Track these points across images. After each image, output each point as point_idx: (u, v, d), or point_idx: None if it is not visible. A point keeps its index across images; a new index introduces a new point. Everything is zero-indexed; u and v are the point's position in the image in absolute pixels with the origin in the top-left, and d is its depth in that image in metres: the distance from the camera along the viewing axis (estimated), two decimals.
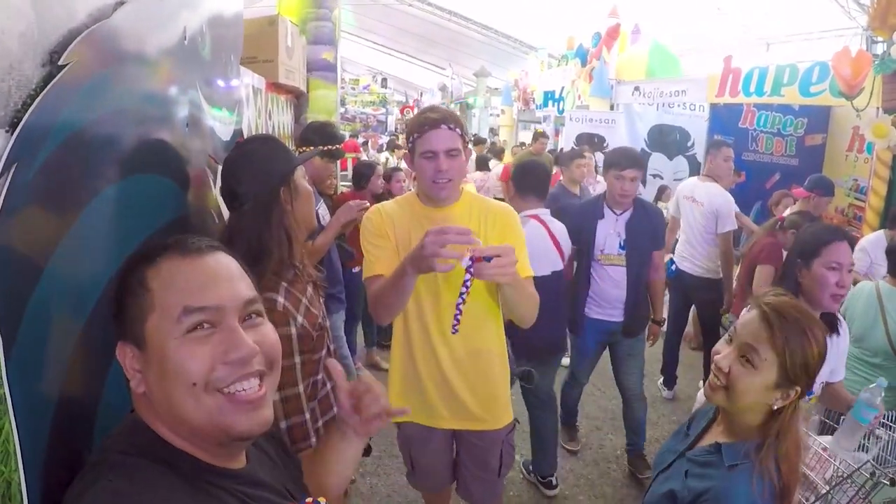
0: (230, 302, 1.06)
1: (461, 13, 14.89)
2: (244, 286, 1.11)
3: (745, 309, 1.80)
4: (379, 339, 6.41)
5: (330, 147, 4.00)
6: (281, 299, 1.91)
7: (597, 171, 8.36)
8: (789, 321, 1.65)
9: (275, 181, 2.01)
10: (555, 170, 10.38)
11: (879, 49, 6.30)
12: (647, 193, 9.55)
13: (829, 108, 7.86)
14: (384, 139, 19.02)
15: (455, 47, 17.51)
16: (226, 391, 1.03)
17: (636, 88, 10.08)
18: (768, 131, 8.33)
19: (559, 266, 3.88)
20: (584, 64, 11.65)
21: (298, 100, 6.07)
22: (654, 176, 10.05)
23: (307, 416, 1.97)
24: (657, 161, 10.19)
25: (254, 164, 2.02)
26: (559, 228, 3.90)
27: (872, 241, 4.82)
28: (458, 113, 23.55)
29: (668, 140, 10.18)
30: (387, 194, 5.75)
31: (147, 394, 1.04)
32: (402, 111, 24.65)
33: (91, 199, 1.37)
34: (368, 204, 4.67)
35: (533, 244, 2.60)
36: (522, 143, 14.43)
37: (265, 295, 1.73)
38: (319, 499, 1.22)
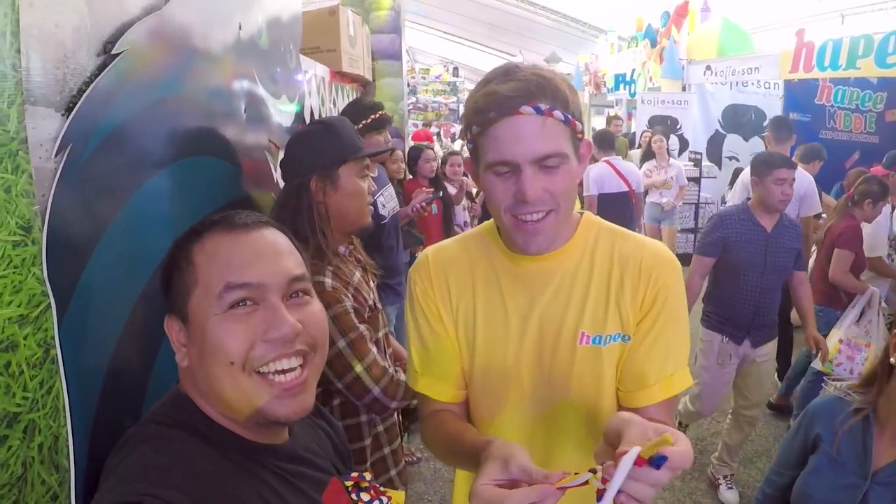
0: (274, 278, 1.02)
1: None
2: (291, 262, 1.07)
3: None
4: None
5: (365, 121, 3.64)
6: (329, 280, 1.92)
7: (669, 154, 8.28)
8: None
9: (308, 170, 2.02)
10: (627, 154, 10.36)
11: None
12: (723, 177, 9.40)
13: None
14: (456, 128, 19.09)
15: (524, 34, 17.42)
16: (263, 371, 1.00)
17: (708, 68, 9.86)
18: (846, 107, 8.07)
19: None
20: (653, 45, 11.48)
21: (365, 88, 6.23)
22: (730, 158, 9.86)
23: (378, 361, 1.97)
24: (733, 143, 10.02)
25: (302, 147, 2.06)
26: (626, 168, 5.38)
27: None
28: None
29: (742, 120, 9.97)
30: (443, 178, 5.66)
31: (190, 368, 1.04)
32: None
33: (146, 180, 1.49)
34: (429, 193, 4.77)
35: (603, 179, 2.83)
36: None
37: (314, 278, 1.62)
38: (365, 473, 1.21)
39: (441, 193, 5.27)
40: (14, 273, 1.06)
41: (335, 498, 1.15)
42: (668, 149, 8.32)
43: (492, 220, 1.50)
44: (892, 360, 1.73)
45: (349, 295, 1.96)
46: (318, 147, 2.05)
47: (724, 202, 8.74)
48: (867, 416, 1.77)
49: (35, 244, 1.11)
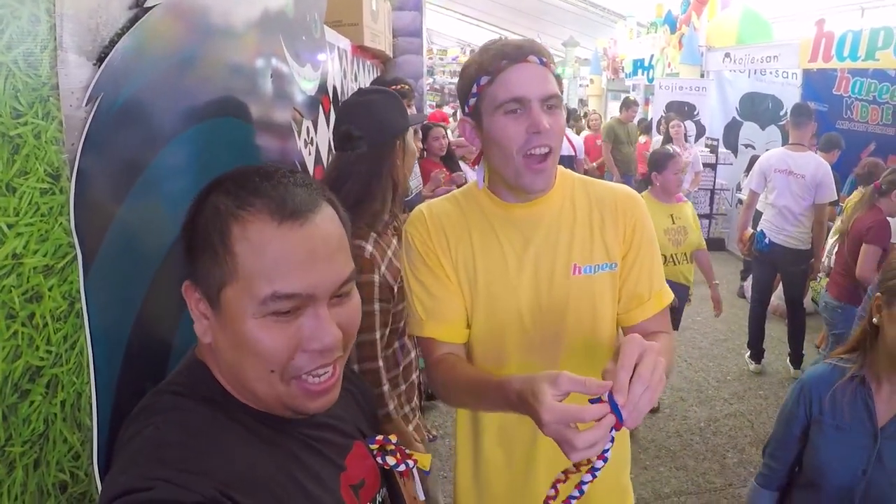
0: (324, 286, 0.92)
1: None
2: (342, 261, 0.96)
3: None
4: None
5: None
6: (369, 247, 1.99)
7: (686, 140, 8.25)
8: None
9: (394, 132, 2.10)
10: (643, 139, 10.33)
11: None
12: (739, 164, 9.34)
13: None
14: None
15: (543, 17, 17.32)
16: (300, 378, 0.94)
17: (727, 55, 9.76)
18: (863, 99, 8.01)
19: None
20: (673, 31, 11.40)
21: (385, 65, 6.20)
22: (747, 146, 9.80)
23: (380, 363, 2.04)
24: (749, 131, 9.96)
25: (374, 113, 2.10)
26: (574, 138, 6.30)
27: None
28: None
29: (759, 109, 9.90)
30: (425, 154, 5.49)
31: (214, 347, 0.97)
32: None
33: (174, 137, 1.49)
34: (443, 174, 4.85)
35: None
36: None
37: (355, 242, 1.73)
38: (390, 436, 1.19)
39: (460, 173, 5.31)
40: (41, 221, 1.05)
41: (360, 462, 1.12)
42: (685, 134, 8.29)
43: (472, 181, 1.70)
44: (874, 320, 1.83)
45: (382, 266, 2.03)
46: (390, 110, 2.13)
47: (739, 189, 8.75)
48: (863, 378, 1.86)
49: (63, 193, 1.10)
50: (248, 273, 0.89)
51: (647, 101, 13.67)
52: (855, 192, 5.83)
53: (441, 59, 22.20)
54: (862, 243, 4.31)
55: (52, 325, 1.10)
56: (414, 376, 2.31)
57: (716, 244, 9.45)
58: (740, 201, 7.80)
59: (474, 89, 1.50)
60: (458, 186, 4.55)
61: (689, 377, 5.48)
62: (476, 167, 1.68)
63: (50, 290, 1.09)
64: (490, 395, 1.34)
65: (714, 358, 5.86)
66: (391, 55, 6.16)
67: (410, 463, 1.19)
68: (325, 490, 1.01)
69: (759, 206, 5.74)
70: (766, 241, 5.45)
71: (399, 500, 1.22)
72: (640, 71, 13.35)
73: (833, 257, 4.83)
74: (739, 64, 9.59)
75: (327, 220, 0.95)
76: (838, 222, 5.33)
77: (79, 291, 1.16)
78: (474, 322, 1.63)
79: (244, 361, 0.92)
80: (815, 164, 5.22)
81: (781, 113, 9.57)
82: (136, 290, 1.35)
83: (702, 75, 10.54)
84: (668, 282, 1.74)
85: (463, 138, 1.65)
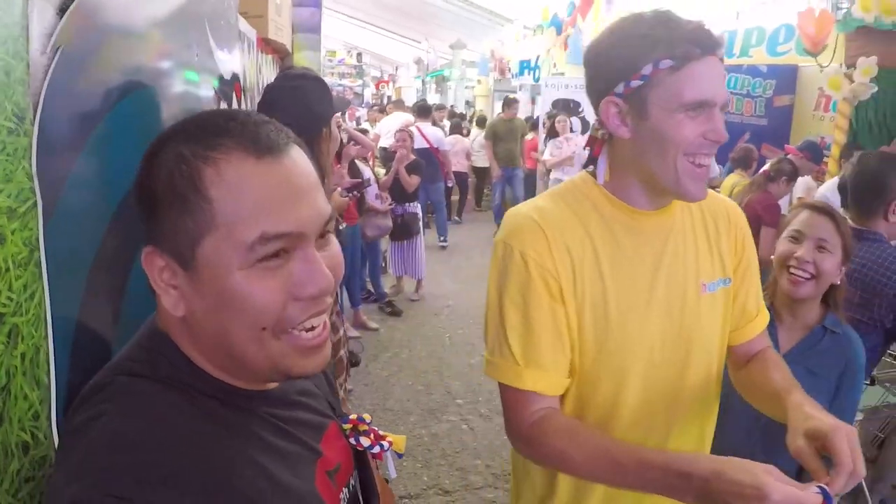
0: (313, 223, 0.84)
1: None
2: (322, 198, 0.88)
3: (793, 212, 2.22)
4: (364, 297, 6.56)
5: None
6: None
7: (572, 133, 8.72)
8: (836, 214, 2.13)
9: (323, 120, 2.06)
10: (531, 135, 10.67)
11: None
12: None
13: (796, 69, 8.17)
14: (361, 111, 19.06)
15: (430, 20, 17.50)
16: (291, 332, 0.85)
17: None
18: (738, 93, 8.54)
19: None
20: (559, 33, 11.82)
21: (283, 61, 6.14)
22: None
23: None
24: None
25: (302, 100, 2.06)
26: (430, 132, 6.66)
27: (830, 186, 5.04)
28: (435, 86, 23.23)
29: None
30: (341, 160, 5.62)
31: (188, 320, 0.86)
32: (377, 86, 24.63)
33: (125, 95, 1.47)
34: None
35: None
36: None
37: None
38: (364, 416, 1.13)
39: (362, 179, 5.39)
40: (7, 160, 1.03)
41: (334, 443, 1.05)
42: (570, 129, 8.64)
43: (581, 175, 1.43)
44: (771, 257, 2.17)
45: None
46: (321, 99, 2.08)
47: None
48: (770, 306, 2.08)
49: (27, 136, 1.08)
50: (228, 219, 0.79)
51: (532, 100, 14.11)
52: (731, 175, 6.43)
53: (329, 60, 22.08)
54: (753, 222, 4.68)
55: (14, 271, 1.07)
56: (342, 352, 2.33)
57: None
58: None
59: (646, 70, 1.22)
60: (354, 192, 4.63)
61: None
62: (599, 158, 1.38)
63: (13, 233, 1.06)
64: (649, 475, 1.11)
65: None
66: (291, 50, 6.11)
67: (385, 444, 1.13)
68: (302, 480, 0.92)
69: None
70: None
71: (370, 484, 1.16)
72: (526, 71, 13.77)
73: None
74: None
75: (302, 156, 0.89)
76: None
77: (38, 239, 1.13)
78: (591, 362, 1.35)
79: (232, 323, 0.82)
80: None
81: None
82: (90, 246, 1.32)
83: None
84: None
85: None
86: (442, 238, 9.85)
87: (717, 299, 1.43)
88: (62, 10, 1.17)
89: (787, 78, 8.39)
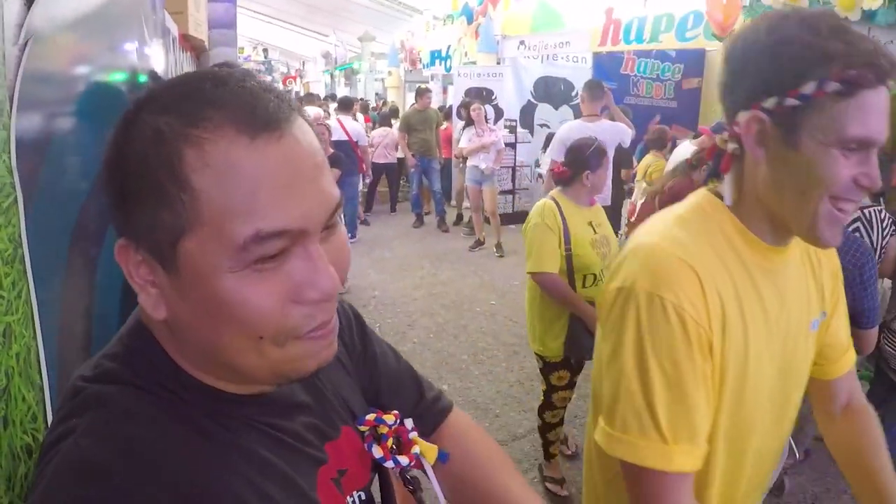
0: (318, 217, 0.70)
1: None
2: (328, 182, 0.73)
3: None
4: None
5: None
6: None
7: (487, 121, 8.75)
8: None
9: None
10: (445, 125, 10.76)
11: None
12: (536, 142, 9.96)
13: (703, 53, 8.52)
14: None
15: (338, 13, 17.39)
16: (300, 342, 0.72)
17: (521, 42, 10.48)
18: (648, 77, 8.83)
19: None
20: (470, 22, 11.94)
21: (199, 58, 6.00)
22: (542, 126, 10.44)
23: None
24: (544, 111, 10.58)
25: None
26: (350, 125, 7.36)
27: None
28: (344, 80, 23.02)
29: (552, 91, 10.54)
30: None
31: (172, 324, 0.73)
32: (284, 81, 24.26)
33: (91, 85, 1.45)
34: None
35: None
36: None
37: None
38: (386, 416, 0.96)
39: None
40: None
41: (343, 447, 0.91)
42: (486, 117, 8.75)
43: (704, 195, 1.25)
44: None
45: None
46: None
47: (537, 165, 9.47)
48: None
49: (5, 129, 1.05)
50: (215, 213, 0.65)
51: (444, 90, 14.20)
52: (647, 156, 6.69)
53: (237, 57, 21.65)
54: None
55: (3, 268, 1.05)
56: None
57: (521, 217, 10.07)
58: (540, 175, 8.51)
59: (808, 88, 1.00)
60: None
61: (517, 333, 5.84)
62: (726, 176, 1.19)
63: None
64: None
65: None
66: (207, 48, 5.98)
67: (403, 460, 0.94)
68: (299, 495, 0.79)
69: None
70: None
71: (389, 498, 1.00)
72: (437, 61, 13.85)
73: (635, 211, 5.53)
74: (534, 50, 10.33)
75: (306, 132, 0.72)
76: (643, 184, 5.98)
77: (20, 236, 1.11)
78: (733, 409, 1.17)
79: (221, 333, 0.69)
80: (612, 129, 5.86)
81: (573, 94, 10.25)
82: (63, 241, 1.30)
83: (498, 62, 11.19)
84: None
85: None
86: (350, 235, 9.54)
87: (816, 336, 1.31)
88: (30, 2, 1.15)
89: (695, 61, 8.75)
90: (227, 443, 0.75)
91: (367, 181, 10.41)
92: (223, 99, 0.67)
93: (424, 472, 0.97)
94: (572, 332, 3.32)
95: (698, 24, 7.14)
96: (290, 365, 0.72)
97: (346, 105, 9.25)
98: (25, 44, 1.13)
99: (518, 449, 4.09)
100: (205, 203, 0.65)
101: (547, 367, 3.52)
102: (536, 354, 3.56)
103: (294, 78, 24.80)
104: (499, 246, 8.55)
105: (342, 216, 0.79)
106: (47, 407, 1.15)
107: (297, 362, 0.73)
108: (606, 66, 8.86)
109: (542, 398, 3.64)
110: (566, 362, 3.44)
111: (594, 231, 3.38)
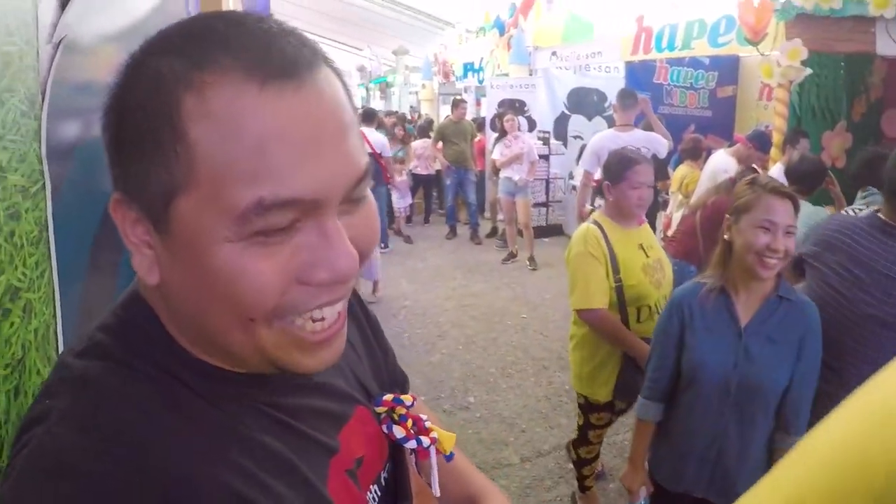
0: (336, 187, 0.60)
1: None
2: (356, 146, 0.63)
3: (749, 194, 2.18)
4: None
5: None
6: None
7: (520, 131, 8.73)
8: (795, 197, 2.17)
9: None
10: (479, 136, 10.80)
11: None
12: (570, 154, 9.94)
13: (737, 60, 8.48)
14: None
15: (372, 27, 17.58)
16: (293, 322, 0.63)
17: (553, 53, 10.48)
18: (681, 85, 8.77)
19: None
20: (501, 34, 11.99)
21: None
22: (575, 137, 10.41)
23: None
24: (577, 122, 10.55)
25: None
26: (373, 137, 7.16)
27: (775, 172, 5.19)
28: (380, 93, 23.11)
29: (585, 102, 10.52)
30: None
31: (163, 290, 0.65)
32: None
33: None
34: None
35: None
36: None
37: None
38: (404, 397, 0.89)
39: None
40: (21, 141, 1.07)
41: (359, 431, 0.83)
42: (518, 127, 8.75)
43: None
44: (725, 236, 2.21)
45: None
46: None
47: (571, 177, 9.47)
48: (722, 288, 2.21)
49: (36, 119, 1.12)
50: (214, 172, 0.56)
51: (478, 102, 14.26)
52: (682, 167, 6.56)
53: None
54: (717, 221, 4.71)
55: (28, 248, 1.12)
56: None
57: (554, 230, 10.30)
58: (574, 188, 8.42)
59: None
60: None
61: (548, 347, 5.83)
62: None
63: (26, 212, 1.11)
64: None
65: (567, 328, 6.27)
66: None
67: (426, 441, 0.89)
68: (307, 489, 0.70)
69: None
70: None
71: (403, 482, 0.90)
72: (470, 73, 13.91)
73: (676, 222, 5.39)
74: (566, 61, 10.29)
75: (332, 83, 0.62)
76: (679, 196, 5.98)
77: (47, 220, 1.18)
78: None
79: (210, 306, 0.61)
80: (645, 138, 5.79)
81: (606, 105, 10.23)
82: (90, 227, 1.37)
83: (530, 73, 11.18)
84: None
85: None
86: (382, 245, 9.48)
87: None
88: (64, 3, 1.23)
89: (729, 68, 8.69)
90: (223, 429, 0.66)
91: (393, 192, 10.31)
92: (235, 40, 0.58)
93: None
94: (624, 374, 2.95)
95: (730, 29, 7.03)
96: (278, 353, 0.63)
97: (368, 117, 9.29)
98: (59, 42, 1.21)
99: (542, 466, 4.05)
100: (201, 159, 0.56)
101: (589, 406, 3.20)
102: (578, 393, 3.25)
103: None
104: (531, 259, 8.48)
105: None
106: None
107: (286, 352, 0.64)
108: (639, 76, 8.80)
109: (578, 432, 3.36)
110: (610, 405, 3.13)
111: (646, 255, 2.99)
